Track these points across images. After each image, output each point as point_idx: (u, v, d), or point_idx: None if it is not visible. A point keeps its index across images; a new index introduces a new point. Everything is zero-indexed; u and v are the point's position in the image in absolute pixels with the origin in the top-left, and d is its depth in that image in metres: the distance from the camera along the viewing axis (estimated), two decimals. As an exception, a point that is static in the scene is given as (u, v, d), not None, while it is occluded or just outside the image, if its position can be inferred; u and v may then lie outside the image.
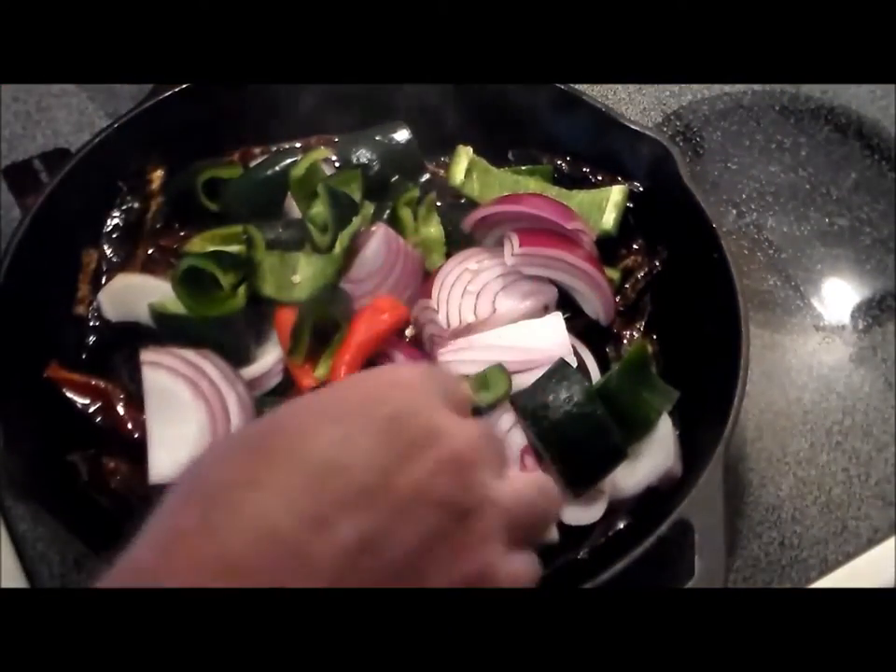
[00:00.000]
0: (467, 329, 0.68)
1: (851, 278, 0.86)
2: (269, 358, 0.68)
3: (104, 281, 0.72)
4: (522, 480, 0.42)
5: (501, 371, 0.63)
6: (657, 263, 0.75)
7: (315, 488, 0.35)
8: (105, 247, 0.73)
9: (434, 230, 0.76)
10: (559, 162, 0.79)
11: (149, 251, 0.74)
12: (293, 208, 0.74)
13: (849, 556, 0.70)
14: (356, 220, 0.70)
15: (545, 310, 0.70)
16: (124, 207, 0.75)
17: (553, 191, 0.76)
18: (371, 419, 0.37)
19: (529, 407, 0.62)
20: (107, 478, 0.64)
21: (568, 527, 0.62)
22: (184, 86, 0.76)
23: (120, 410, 0.66)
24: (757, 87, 0.99)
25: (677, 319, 0.73)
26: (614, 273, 0.74)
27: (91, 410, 0.66)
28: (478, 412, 0.63)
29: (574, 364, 0.64)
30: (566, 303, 0.71)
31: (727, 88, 0.99)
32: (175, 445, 0.62)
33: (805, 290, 0.85)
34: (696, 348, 0.70)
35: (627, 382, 0.63)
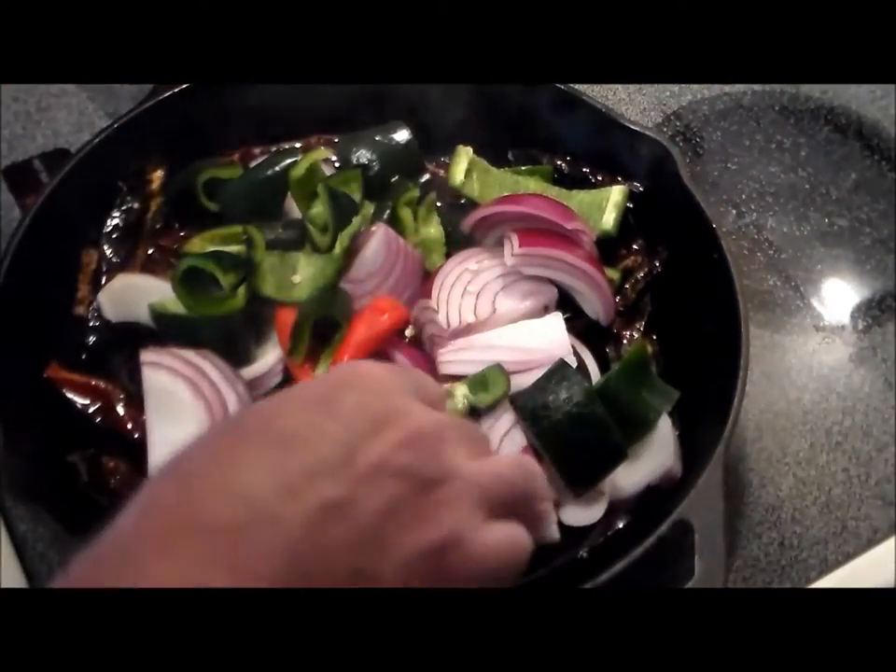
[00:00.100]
0: (467, 330, 0.68)
1: (851, 278, 0.86)
2: (269, 358, 0.68)
3: (103, 281, 0.72)
4: (500, 459, 0.44)
5: (500, 371, 0.63)
6: (657, 263, 0.75)
7: (283, 459, 0.37)
8: (105, 247, 0.73)
9: (434, 230, 0.76)
10: (559, 162, 0.79)
11: (149, 251, 0.74)
12: (293, 208, 0.74)
13: (849, 556, 0.70)
14: (356, 220, 0.70)
15: (545, 310, 0.70)
16: (124, 207, 0.75)
17: (553, 191, 0.76)
18: (336, 403, 0.39)
19: (529, 407, 0.62)
20: (107, 478, 0.64)
21: (568, 527, 0.62)
22: (184, 86, 0.76)
23: (120, 410, 0.66)
24: (757, 87, 0.99)
25: (677, 319, 0.73)
26: (614, 273, 0.74)
27: (91, 410, 0.66)
28: (476, 412, 0.63)
29: (574, 364, 0.64)
30: (566, 303, 0.71)
31: (727, 88, 0.99)
32: (175, 445, 0.62)
33: (805, 290, 0.85)
34: (696, 348, 0.70)
35: (627, 382, 0.63)
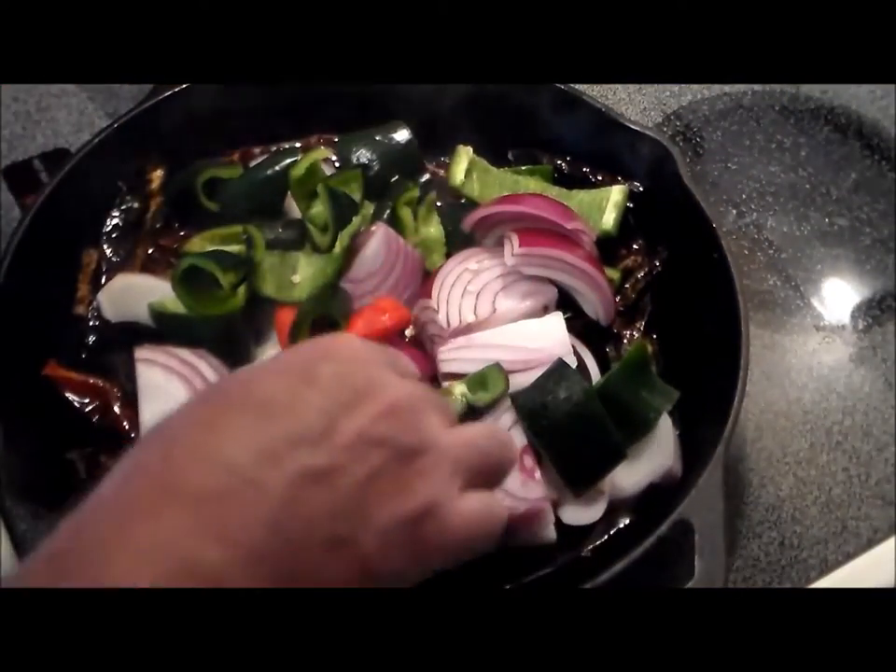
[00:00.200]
0: (467, 329, 0.68)
1: (851, 278, 0.86)
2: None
3: (103, 281, 0.72)
4: (475, 429, 0.45)
5: (499, 370, 0.63)
6: (657, 263, 0.75)
7: (264, 426, 0.37)
8: (105, 247, 0.73)
9: (434, 230, 0.76)
10: (559, 162, 0.79)
11: (149, 251, 0.74)
12: (293, 208, 0.74)
13: (849, 556, 0.70)
14: (356, 220, 0.70)
15: (545, 310, 0.70)
16: (124, 207, 0.75)
17: (553, 191, 0.76)
18: (316, 373, 0.40)
19: (528, 406, 0.62)
20: (106, 476, 0.64)
21: (568, 527, 0.62)
22: (184, 86, 0.76)
23: (118, 409, 0.66)
24: (757, 87, 0.99)
25: (677, 319, 0.73)
26: (614, 273, 0.74)
27: (89, 409, 0.66)
28: (475, 411, 0.63)
29: (574, 364, 0.64)
30: (566, 303, 0.71)
31: (727, 88, 0.99)
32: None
33: (805, 290, 0.85)
34: (696, 348, 0.70)
35: (627, 382, 0.63)
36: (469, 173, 0.77)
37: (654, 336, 0.74)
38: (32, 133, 0.90)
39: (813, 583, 0.68)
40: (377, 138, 0.77)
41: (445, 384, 0.64)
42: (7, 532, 0.60)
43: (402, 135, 0.77)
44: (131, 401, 0.66)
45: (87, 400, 0.67)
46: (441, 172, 0.80)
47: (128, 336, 0.69)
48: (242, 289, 0.68)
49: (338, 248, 0.69)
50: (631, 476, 0.63)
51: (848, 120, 0.97)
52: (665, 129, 0.95)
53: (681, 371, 0.69)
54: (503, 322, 0.68)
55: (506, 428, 0.63)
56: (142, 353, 0.65)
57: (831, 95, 0.98)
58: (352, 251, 0.70)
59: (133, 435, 0.65)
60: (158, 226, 0.76)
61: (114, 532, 0.35)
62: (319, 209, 0.71)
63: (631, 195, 0.76)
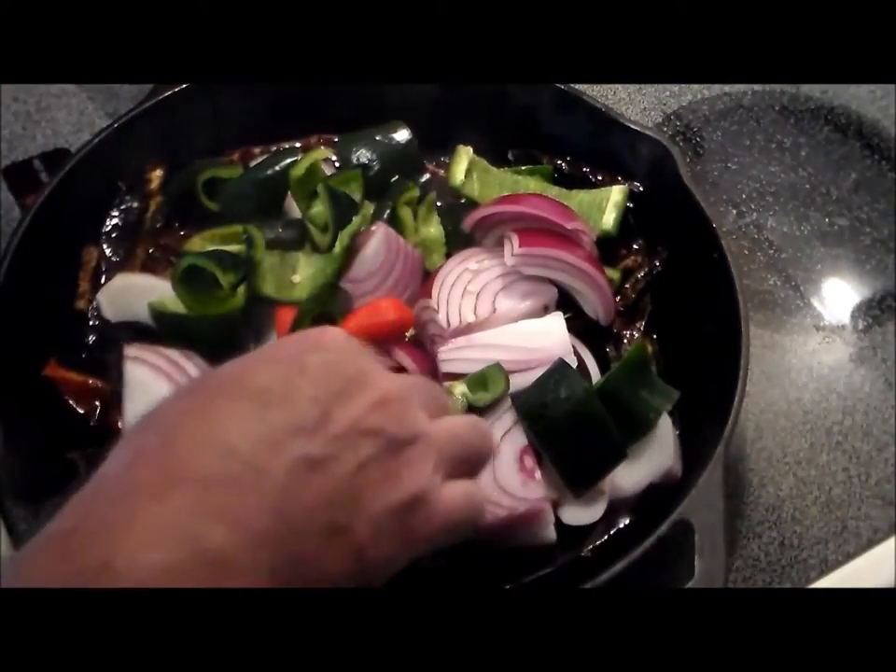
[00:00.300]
0: (467, 329, 0.68)
1: (851, 278, 0.86)
2: (269, 358, 0.68)
3: (103, 280, 0.72)
4: (457, 420, 0.46)
5: (499, 370, 0.63)
6: (657, 263, 0.75)
7: (262, 415, 0.38)
8: (105, 247, 0.73)
9: (434, 230, 0.76)
10: (559, 162, 0.79)
11: (149, 250, 0.74)
12: (293, 208, 0.74)
13: (849, 556, 0.70)
14: (356, 220, 0.70)
15: (545, 310, 0.70)
16: (123, 207, 0.75)
17: (553, 191, 0.76)
18: (307, 363, 0.41)
19: (529, 406, 0.62)
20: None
21: (569, 527, 0.62)
22: (184, 86, 0.76)
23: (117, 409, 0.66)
24: (757, 87, 0.99)
25: (677, 319, 0.73)
26: (614, 273, 0.74)
27: (88, 409, 0.66)
28: (475, 412, 0.63)
29: (574, 364, 0.64)
30: (566, 303, 0.71)
31: (727, 88, 0.99)
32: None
33: (805, 290, 0.85)
34: (696, 348, 0.70)
35: (627, 382, 0.63)
36: (469, 173, 0.77)
37: (654, 336, 0.74)
38: (32, 133, 0.90)
39: (813, 583, 0.68)
40: (377, 138, 0.77)
41: (445, 384, 0.64)
42: (6, 532, 0.60)
43: (402, 135, 0.77)
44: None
45: (86, 401, 0.67)
46: (441, 172, 0.80)
47: (128, 336, 0.69)
48: (242, 289, 0.68)
49: (338, 248, 0.69)
50: (631, 476, 0.63)
51: (848, 120, 0.97)
52: (665, 129, 0.95)
53: (681, 370, 0.69)
54: (503, 322, 0.68)
55: (506, 428, 0.63)
56: (131, 351, 0.65)
57: (831, 95, 0.98)
58: (352, 251, 0.70)
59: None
60: (158, 225, 0.76)
61: (120, 514, 0.35)
62: (319, 209, 0.71)
63: (631, 195, 0.76)
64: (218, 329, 0.67)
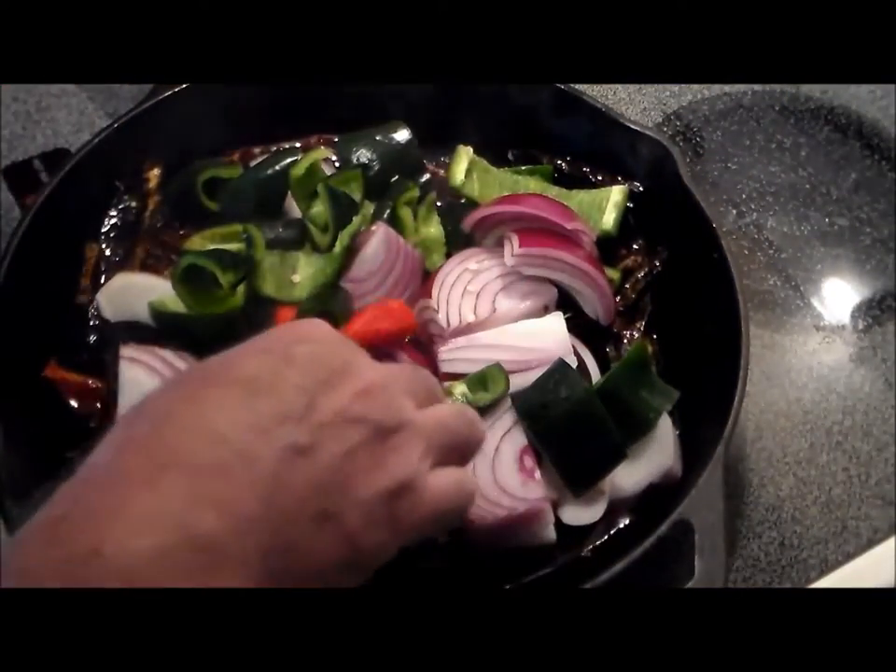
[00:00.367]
0: (467, 329, 0.68)
1: (851, 278, 0.86)
2: (268, 358, 0.68)
3: (102, 280, 0.72)
4: (444, 408, 0.46)
5: (500, 370, 0.63)
6: (657, 263, 0.75)
7: (250, 403, 0.39)
8: (104, 247, 0.73)
9: (434, 230, 0.76)
10: (559, 162, 0.79)
11: (148, 250, 0.74)
12: (293, 208, 0.74)
13: (849, 556, 0.70)
14: (356, 220, 0.70)
15: (545, 310, 0.70)
16: (122, 206, 0.75)
17: (553, 191, 0.76)
18: (294, 353, 0.41)
19: (529, 406, 0.62)
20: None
21: (569, 527, 0.62)
22: (184, 86, 0.76)
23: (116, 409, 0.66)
24: (757, 87, 0.99)
25: (677, 319, 0.73)
26: (614, 273, 0.74)
27: (88, 409, 0.66)
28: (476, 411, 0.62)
29: (574, 364, 0.64)
30: (566, 303, 0.71)
31: (727, 88, 0.99)
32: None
33: (805, 290, 0.85)
34: (696, 348, 0.70)
35: (627, 382, 0.63)
36: (469, 173, 0.77)
37: (654, 336, 0.74)
38: (32, 133, 0.90)
39: (813, 583, 0.68)
40: (377, 138, 0.77)
41: (445, 384, 0.64)
42: (6, 532, 0.60)
43: (402, 135, 0.77)
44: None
45: (85, 402, 0.67)
46: (441, 172, 0.80)
47: (128, 336, 0.69)
48: (241, 289, 0.68)
49: (338, 248, 0.69)
50: (631, 476, 0.63)
51: (848, 120, 0.97)
52: (665, 129, 0.95)
53: (681, 370, 0.69)
54: (503, 322, 0.68)
55: (506, 428, 0.63)
56: (127, 351, 0.65)
57: (831, 95, 0.98)
58: (352, 251, 0.70)
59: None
60: (158, 225, 0.76)
61: (110, 500, 0.35)
62: (319, 209, 0.71)
63: (631, 195, 0.76)
64: (218, 328, 0.67)
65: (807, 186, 0.92)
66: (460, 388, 0.62)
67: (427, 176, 0.78)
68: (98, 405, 0.67)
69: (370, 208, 0.74)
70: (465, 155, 0.77)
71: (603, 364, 0.70)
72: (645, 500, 0.64)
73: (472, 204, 0.75)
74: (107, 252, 0.73)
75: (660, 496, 0.63)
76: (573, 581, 0.58)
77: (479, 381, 0.63)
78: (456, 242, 0.75)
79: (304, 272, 0.70)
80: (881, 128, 0.96)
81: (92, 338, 0.70)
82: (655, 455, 0.64)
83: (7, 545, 0.35)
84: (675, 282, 0.74)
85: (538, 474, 0.61)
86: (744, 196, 0.91)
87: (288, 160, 0.74)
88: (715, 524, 0.57)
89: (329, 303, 0.67)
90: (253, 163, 0.77)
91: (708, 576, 0.55)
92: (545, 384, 0.62)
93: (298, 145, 0.79)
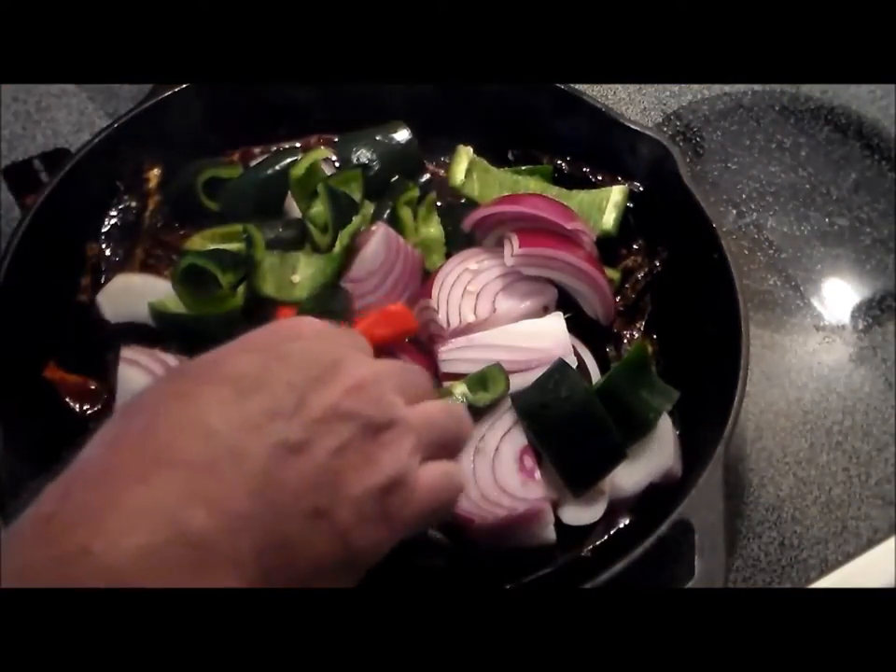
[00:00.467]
0: (467, 329, 0.68)
1: (851, 278, 0.86)
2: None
3: (102, 280, 0.72)
4: (434, 405, 0.47)
5: (500, 370, 0.63)
6: (657, 263, 0.75)
7: (242, 400, 0.39)
8: (104, 247, 0.73)
9: (434, 230, 0.76)
10: (559, 162, 0.79)
11: (148, 250, 0.74)
12: (293, 208, 0.74)
13: (849, 556, 0.70)
14: (356, 220, 0.70)
15: (545, 310, 0.70)
16: (121, 207, 0.75)
17: (553, 191, 0.76)
18: (284, 351, 0.42)
19: (528, 406, 0.62)
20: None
21: (569, 527, 0.62)
22: (184, 86, 0.76)
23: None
24: (757, 87, 0.99)
25: (677, 319, 0.73)
26: (614, 273, 0.74)
27: (88, 410, 0.66)
28: (476, 411, 0.63)
29: (574, 364, 0.64)
30: (566, 303, 0.71)
31: (727, 88, 0.99)
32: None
33: (805, 290, 0.85)
34: (696, 348, 0.70)
35: (627, 382, 0.63)
36: (469, 173, 0.77)
37: (654, 336, 0.74)
38: (32, 133, 0.90)
39: (813, 583, 0.68)
40: (377, 138, 0.77)
41: (445, 383, 0.64)
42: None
43: (402, 135, 0.77)
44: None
45: (85, 403, 0.67)
46: (441, 172, 0.80)
47: (128, 336, 0.69)
48: (242, 289, 0.68)
49: (338, 248, 0.69)
50: (631, 476, 0.63)
51: (848, 120, 0.97)
52: (665, 129, 0.95)
53: (681, 370, 0.69)
54: (503, 322, 0.68)
55: (506, 428, 0.63)
56: (127, 353, 0.65)
57: (831, 95, 0.98)
58: (352, 251, 0.70)
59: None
60: (158, 225, 0.76)
61: (102, 496, 0.35)
62: (319, 209, 0.71)
63: (631, 195, 0.76)
64: (218, 328, 0.67)
65: (807, 186, 0.92)
66: (460, 388, 0.62)
67: (427, 176, 0.78)
68: (98, 406, 0.67)
69: (370, 208, 0.74)
70: (465, 155, 0.77)
71: (603, 364, 0.70)
72: (645, 500, 0.64)
73: (472, 204, 0.75)
74: (107, 252, 0.73)
75: (660, 496, 0.63)
76: (573, 580, 0.58)
77: (479, 381, 0.63)
78: (456, 242, 0.74)
79: (304, 272, 0.70)
80: (881, 128, 0.96)
81: (92, 338, 0.70)
82: (655, 455, 0.64)
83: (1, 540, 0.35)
84: (675, 282, 0.74)
85: (538, 474, 0.61)
86: (744, 196, 0.91)
87: (288, 160, 0.74)
88: (715, 524, 0.57)
89: (329, 303, 0.67)
90: (253, 163, 0.77)
91: (708, 576, 0.55)
92: (545, 384, 0.62)
93: (298, 145, 0.79)
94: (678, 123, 0.96)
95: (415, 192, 0.75)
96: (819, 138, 0.95)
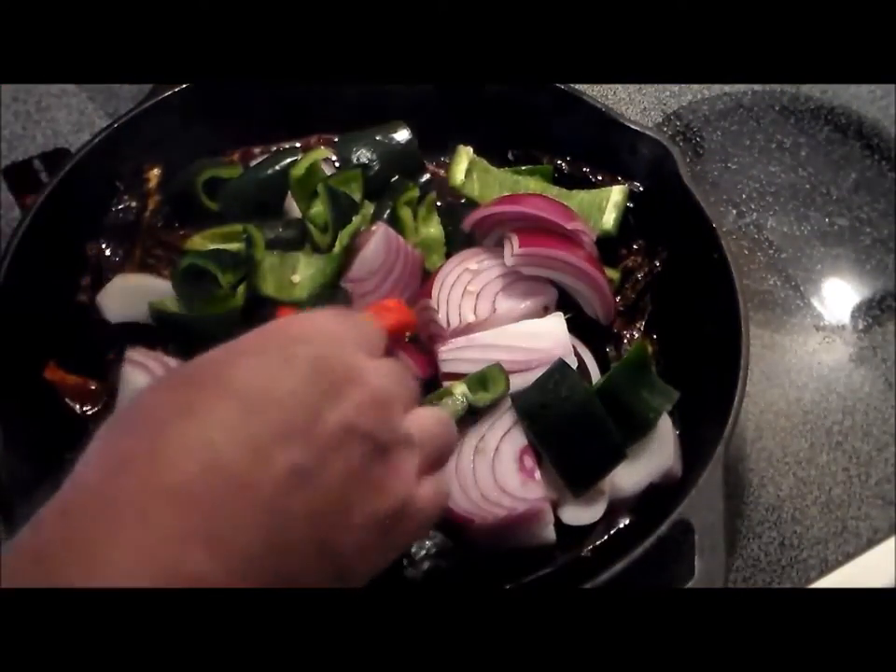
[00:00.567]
0: (467, 329, 0.68)
1: (851, 278, 0.86)
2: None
3: (102, 280, 0.72)
4: (428, 416, 0.45)
5: (500, 370, 0.63)
6: (657, 263, 0.75)
7: (251, 420, 0.37)
8: (104, 247, 0.73)
9: (434, 230, 0.76)
10: (559, 162, 0.79)
11: (148, 250, 0.74)
12: (293, 208, 0.74)
13: (849, 556, 0.70)
14: (356, 220, 0.70)
15: (545, 310, 0.70)
16: (121, 207, 0.75)
17: (553, 191, 0.76)
18: (293, 355, 0.39)
19: (528, 406, 0.62)
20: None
21: (569, 527, 0.62)
22: (184, 86, 0.76)
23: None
24: (757, 87, 0.99)
25: (677, 319, 0.73)
26: (614, 273, 0.74)
27: (88, 410, 0.66)
28: (476, 411, 0.63)
29: (574, 364, 0.64)
30: (566, 303, 0.71)
31: (727, 88, 0.99)
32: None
33: (805, 290, 0.85)
34: (696, 348, 0.70)
35: (627, 382, 0.63)
36: (469, 173, 0.77)
37: (654, 336, 0.74)
38: (32, 133, 0.90)
39: (813, 583, 0.68)
40: (377, 138, 0.77)
41: (445, 383, 0.64)
42: (7, 533, 0.60)
43: (402, 135, 0.77)
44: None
45: (85, 404, 0.67)
46: (441, 172, 0.80)
47: (128, 336, 0.69)
48: (242, 289, 0.68)
49: (338, 248, 0.69)
50: (631, 476, 0.63)
51: (848, 120, 0.97)
52: (665, 129, 0.95)
53: (681, 370, 0.69)
54: (503, 322, 0.68)
55: (506, 428, 0.63)
56: (133, 355, 0.65)
57: (831, 95, 0.98)
58: (352, 251, 0.70)
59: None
60: (158, 225, 0.76)
61: (100, 531, 0.34)
62: (319, 209, 0.71)
63: (631, 195, 0.76)
64: (218, 329, 0.67)
65: (807, 186, 0.92)
66: (460, 388, 0.62)
67: (427, 176, 0.78)
68: (98, 406, 0.67)
69: (370, 208, 0.74)
70: (465, 155, 0.77)
71: (603, 364, 0.70)
72: (645, 500, 0.64)
73: (472, 204, 0.75)
74: (107, 252, 0.73)
75: (660, 496, 0.63)
76: (573, 580, 0.58)
77: (479, 381, 0.63)
78: (456, 242, 0.74)
79: (304, 272, 0.70)
80: (881, 128, 0.96)
81: (92, 338, 0.70)
82: (655, 455, 0.64)
83: None
84: (675, 282, 0.74)
85: (538, 474, 0.61)
86: (744, 196, 0.91)
87: (288, 160, 0.74)
88: (715, 524, 0.57)
89: (329, 304, 0.67)
90: (253, 163, 0.77)
91: (708, 576, 0.55)
92: (545, 384, 0.62)
93: (298, 145, 0.79)
94: (678, 123, 0.96)
95: (415, 192, 0.75)
96: (819, 138, 0.95)
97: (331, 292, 0.68)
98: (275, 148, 0.79)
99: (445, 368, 0.65)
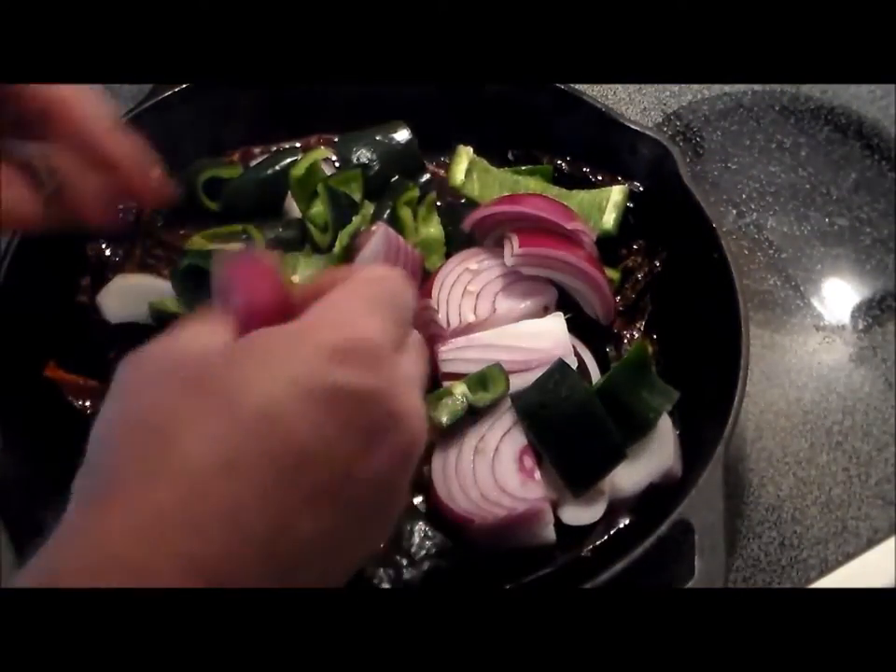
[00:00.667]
0: (467, 329, 0.68)
1: (851, 278, 0.86)
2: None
3: (103, 281, 0.72)
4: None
5: (500, 370, 0.63)
6: (657, 263, 0.75)
7: (285, 483, 0.34)
8: (104, 247, 0.74)
9: (434, 230, 0.76)
10: (559, 162, 0.79)
11: (148, 250, 0.74)
12: (293, 208, 0.74)
13: (849, 556, 0.70)
14: (356, 220, 0.70)
15: (545, 310, 0.70)
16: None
17: (553, 191, 0.76)
18: (330, 386, 0.35)
19: (528, 406, 0.62)
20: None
21: (569, 527, 0.62)
22: (184, 86, 0.76)
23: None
24: (757, 87, 0.99)
25: (677, 319, 0.73)
26: (614, 273, 0.74)
27: (88, 412, 0.66)
28: (476, 411, 0.63)
29: (574, 364, 0.64)
30: (566, 303, 0.71)
31: (727, 88, 0.99)
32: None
33: (805, 290, 0.85)
34: (696, 348, 0.70)
35: (627, 382, 0.63)
36: (469, 173, 0.77)
37: (654, 336, 0.74)
38: (32, 133, 0.90)
39: (813, 583, 0.68)
40: (377, 138, 0.77)
41: (445, 383, 0.64)
42: (7, 533, 0.60)
43: (402, 135, 0.77)
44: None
45: (86, 403, 0.67)
46: (441, 172, 0.80)
47: (128, 336, 0.69)
48: (242, 289, 0.68)
49: (338, 248, 0.69)
50: (631, 476, 0.63)
51: (848, 120, 0.97)
52: (665, 129, 0.95)
53: (681, 370, 0.69)
54: (503, 322, 0.68)
55: (506, 428, 0.63)
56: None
57: (831, 95, 0.98)
58: (352, 251, 0.70)
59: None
60: (158, 225, 0.76)
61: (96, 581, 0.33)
62: (319, 209, 0.71)
63: (631, 195, 0.76)
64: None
65: (807, 186, 0.92)
66: (460, 388, 0.62)
67: (427, 176, 0.78)
68: (98, 405, 0.67)
69: (370, 208, 0.74)
70: (465, 155, 0.77)
71: (603, 364, 0.70)
72: (645, 500, 0.64)
73: (472, 204, 0.75)
74: (107, 252, 0.73)
75: (660, 496, 0.63)
76: (573, 580, 0.58)
77: (479, 381, 0.63)
78: (456, 242, 0.75)
79: (304, 272, 0.70)
80: (881, 128, 0.96)
81: (92, 338, 0.70)
82: (655, 455, 0.64)
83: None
84: (675, 282, 0.74)
85: (537, 474, 0.61)
86: (744, 196, 0.91)
87: (288, 160, 0.74)
88: (715, 524, 0.57)
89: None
90: (253, 163, 0.77)
91: (708, 576, 0.55)
92: (545, 384, 0.62)
93: (298, 145, 0.80)
94: (678, 123, 0.96)
95: (415, 192, 0.75)
96: (819, 138, 0.95)
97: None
98: (275, 148, 0.79)
99: (445, 368, 0.65)
